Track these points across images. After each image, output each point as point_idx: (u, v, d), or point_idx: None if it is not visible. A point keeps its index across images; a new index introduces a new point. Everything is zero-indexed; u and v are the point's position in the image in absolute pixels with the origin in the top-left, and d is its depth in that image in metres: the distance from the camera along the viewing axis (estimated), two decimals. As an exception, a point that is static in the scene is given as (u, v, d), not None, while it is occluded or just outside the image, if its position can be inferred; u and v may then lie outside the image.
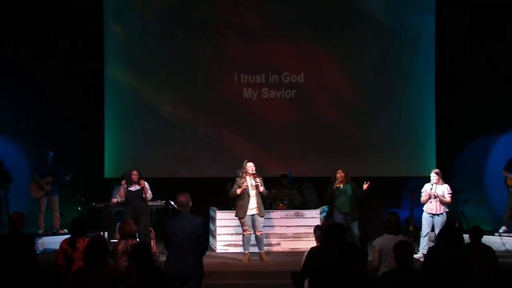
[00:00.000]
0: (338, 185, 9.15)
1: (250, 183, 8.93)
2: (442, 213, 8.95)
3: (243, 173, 8.99)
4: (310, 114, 11.82)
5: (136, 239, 6.26)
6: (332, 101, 11.81)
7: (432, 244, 8.78)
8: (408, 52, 11.78)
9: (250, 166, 8.94)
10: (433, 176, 9.01)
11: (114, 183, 10.85)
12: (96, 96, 11.79)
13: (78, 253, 6.20)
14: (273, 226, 9.69)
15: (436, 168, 11.41)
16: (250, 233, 8.98)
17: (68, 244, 6.31)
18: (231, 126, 11.88)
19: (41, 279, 6.88)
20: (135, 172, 9.36)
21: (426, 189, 9.02)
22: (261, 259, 8.99)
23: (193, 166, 11.82)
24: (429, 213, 8.96)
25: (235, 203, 9.14)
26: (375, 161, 11.58)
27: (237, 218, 9.08)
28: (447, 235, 5.60)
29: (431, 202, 8.95)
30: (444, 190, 8.96)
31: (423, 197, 9.03)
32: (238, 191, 8.87)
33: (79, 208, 10.54)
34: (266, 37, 11.82)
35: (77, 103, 11.55)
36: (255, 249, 9.10)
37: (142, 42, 11.91)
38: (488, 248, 6.58)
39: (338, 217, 9.16)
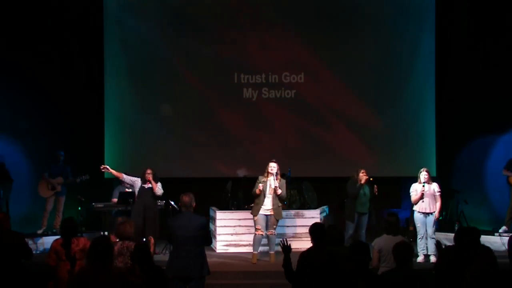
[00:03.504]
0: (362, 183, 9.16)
1: (269, 184, 8.86)
2: (434, 212, 8.85)
3: (266, 172, 8.91)
4: (310, 114, 11.81)
5: (132, 241, 6.23)
6: (332, 102, 11.80)
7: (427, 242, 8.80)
8: (408, 53, 11.78)
9: (271, 166, 8.88)
10: (425, 175, 8.83)
11: (114, 183, 10.87)
12: (96, 96, 11.79)
13: (72, 254, 6.19)
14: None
15: (437, 168, 11.49)
16: (262, 234, 8.89)
17: (61, 245, 6.22)
18: (231, 126, 11.88)
19: (32, 277, 6.89)
20: (148, 171, 9.34)
21: (417, 188, 8.85)
22: (270, 259, 8.95)
23: (193, 166, 11.80)
24: (422, 212, 8.81)
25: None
26: (375, 161, 11.57)
27: (252, 216, 9.03)
28: (466, 238, 5.36)
29: (423, 201, 8.81)
30: (434, 188, 8.89)
31: (415, 197, 8.85)
32: (257, 191, 8.84)
33: (79, 208, 10.54)
34: (266, 37, 11.82)
35: (77, 103, 11.56)
36: (265, 248, 9.10)
37: (142, 43, 11.90)
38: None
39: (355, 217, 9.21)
